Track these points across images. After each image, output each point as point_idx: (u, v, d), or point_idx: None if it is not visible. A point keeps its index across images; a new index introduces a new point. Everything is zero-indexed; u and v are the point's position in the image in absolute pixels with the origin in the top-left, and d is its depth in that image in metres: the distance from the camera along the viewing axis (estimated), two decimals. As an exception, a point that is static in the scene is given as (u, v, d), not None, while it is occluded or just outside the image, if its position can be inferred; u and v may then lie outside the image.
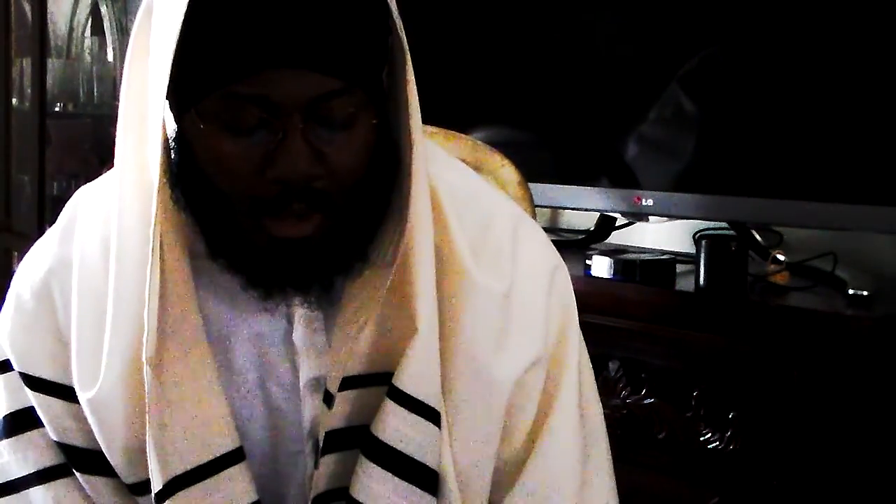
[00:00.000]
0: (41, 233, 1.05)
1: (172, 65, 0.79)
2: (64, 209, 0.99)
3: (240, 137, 0.80)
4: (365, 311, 0.89)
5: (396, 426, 0.89)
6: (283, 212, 0.82)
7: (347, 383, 0.90)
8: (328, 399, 0.90)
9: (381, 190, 0.87)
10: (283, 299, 0.90)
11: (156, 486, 0.88)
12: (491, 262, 0.94)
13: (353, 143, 0.83)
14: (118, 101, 0.90)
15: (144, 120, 0.87)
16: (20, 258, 2.69)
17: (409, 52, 0.84)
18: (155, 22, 0.84)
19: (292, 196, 0.81)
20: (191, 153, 0.84)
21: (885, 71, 1.45)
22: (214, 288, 0.92)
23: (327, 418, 0.90)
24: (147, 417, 0.87)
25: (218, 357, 0.91)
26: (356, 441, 0.91)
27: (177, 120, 0.84)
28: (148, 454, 0.88)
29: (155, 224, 0.84)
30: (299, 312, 0.92)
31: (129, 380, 0.88)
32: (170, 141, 0.85)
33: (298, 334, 0.92)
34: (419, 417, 0.89)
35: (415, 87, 0.85)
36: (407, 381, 0.88)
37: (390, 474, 0.89)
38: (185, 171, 0.84)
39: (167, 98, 0.83)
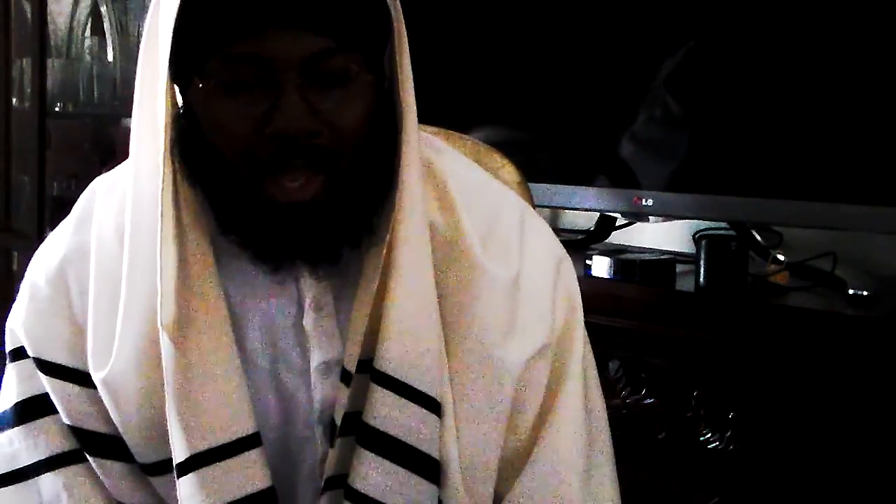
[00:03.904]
0: (41, 233, 1.05)
1: (175, 36, 0.82)
2: (80, 199, 1.00)
3: (239, 97, 0.83)
4: (368, 288, 0.90)
5: (384, 411, 0.89)
6: (282, 169, 0.84)
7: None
8: (346, 378, 0.90)
9: (384, 159, 0.89)
10: (291, 272, 0.91)
11: (178, 457, 0.88)
12: (499, 251, 0.95)
13: (351, 102, 0.85)
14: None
15: (156, 100, 0.89)
16: (20, 258, 2.69)
17: (404, 27, 0.87)
18: (161, 2, 0.86)
19: (290, 153, 0.83)
20: (196, 124, 0.86)
21: (885, 71, 1.45)
22: (228, 271, 0.93)
23: (343, 399, 0.90)
24: (166, 387, 0.87)
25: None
26: (356, 426, 0.91)
27: (183, 94, 0.87)
28: (169, 424, 0.88)
29: (163, 188, 0.86)
30: (309, 296, 0.92)
31: (143, 354, 0.89)
32: (179, 116, 0.88)
33: (309, 319, 0.93)
34: (408, 402, 0.89)
35: (408, 59, 0.88)
36: (388, 363, 0.88)
37: (385, 460, 0.89)
38: (192, 143, 0.87)
39: (175, 77, 0.86)
